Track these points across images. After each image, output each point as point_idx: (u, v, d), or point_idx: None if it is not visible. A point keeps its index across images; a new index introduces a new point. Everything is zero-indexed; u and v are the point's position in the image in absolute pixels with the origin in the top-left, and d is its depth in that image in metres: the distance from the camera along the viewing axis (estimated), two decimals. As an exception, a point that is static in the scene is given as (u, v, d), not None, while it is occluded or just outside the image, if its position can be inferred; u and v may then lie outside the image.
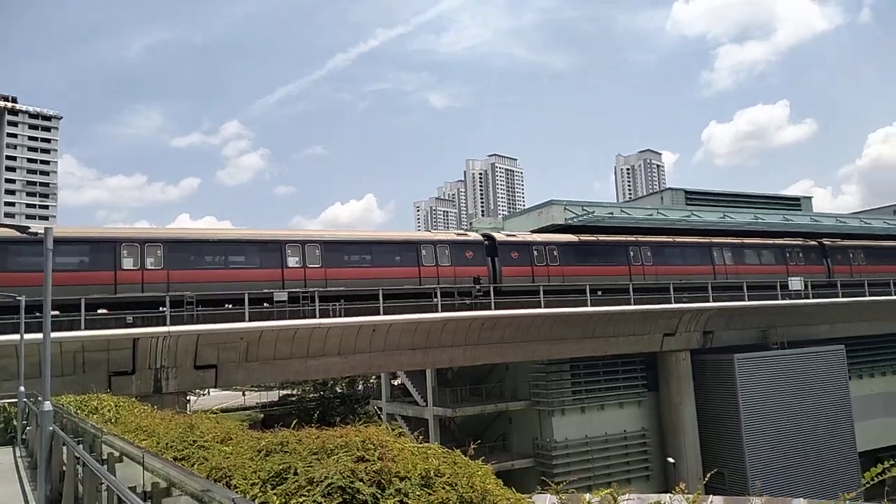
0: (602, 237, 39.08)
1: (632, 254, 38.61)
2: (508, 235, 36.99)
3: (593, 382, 39.95)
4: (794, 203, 57.62)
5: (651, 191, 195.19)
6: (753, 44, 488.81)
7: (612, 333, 37.71)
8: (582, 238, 38.20)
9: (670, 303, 37.57)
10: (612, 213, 43.38)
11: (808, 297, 41.91)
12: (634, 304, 36.31)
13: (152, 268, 26.98)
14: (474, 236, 36.14)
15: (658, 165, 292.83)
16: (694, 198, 51.32)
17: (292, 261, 29.71)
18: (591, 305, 34.99)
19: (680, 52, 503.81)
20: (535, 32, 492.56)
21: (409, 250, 32.94)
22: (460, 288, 32.84)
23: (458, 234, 37.00)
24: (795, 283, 41.71)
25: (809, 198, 60.45)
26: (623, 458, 39.84)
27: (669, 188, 57.55)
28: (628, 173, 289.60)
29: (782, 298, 41.15)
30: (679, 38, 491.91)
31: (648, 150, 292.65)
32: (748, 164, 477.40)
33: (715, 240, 42.78)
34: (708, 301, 38.73)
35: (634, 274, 38.11)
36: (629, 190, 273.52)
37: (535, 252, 35.88)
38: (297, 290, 29.01)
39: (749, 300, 39.85)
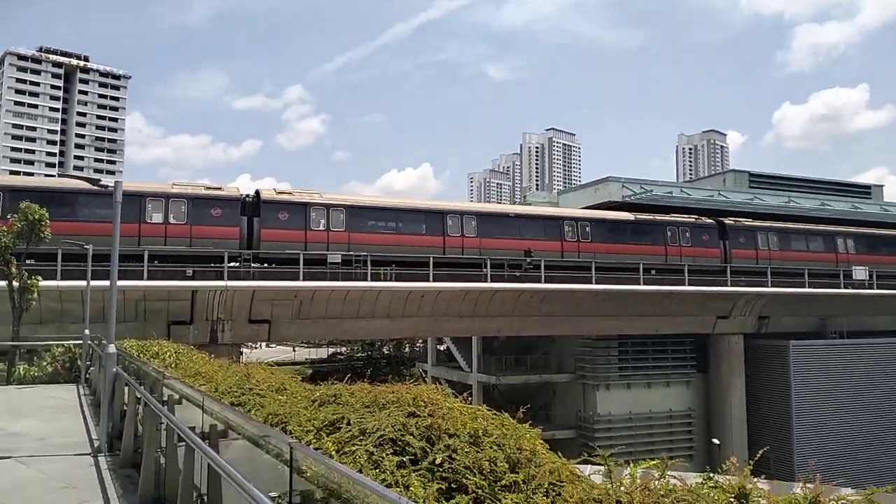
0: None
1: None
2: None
3: (641, 360, 39.65)
4: (864, 191, 55.32)
5: (713, 172, 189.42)
6: (834, 24, 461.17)
7: (664, 313, 37.14)
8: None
9: (726, 285, 36.76)
10: (671, 193, 42.47)
11: (871, 287, 40.46)
12: (689, 286, 35.65)
13: None
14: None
15: (722, 146, 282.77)
16: (758, 181, 49.72)
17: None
18: (645, 284, 34.52)
19: (754, 31, 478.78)
20: (599, 6, 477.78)
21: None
22: (511, 260, 32.80)
23: None
24: (860, 273, 40.26)
25: (881, 186, 57.95)
26: (667, 437, 39.55)
27: (733, 170, 55.89)
28: (690, 153, 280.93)
29: (845, 287, 39.82)
30: (753, 15, 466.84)
31: (713, 131, 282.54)
32: (819, 148, 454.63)
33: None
34: (766, 286, 37.77)
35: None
36: (690, 171, 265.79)
37: None
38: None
39: (810, 287, 38.69)
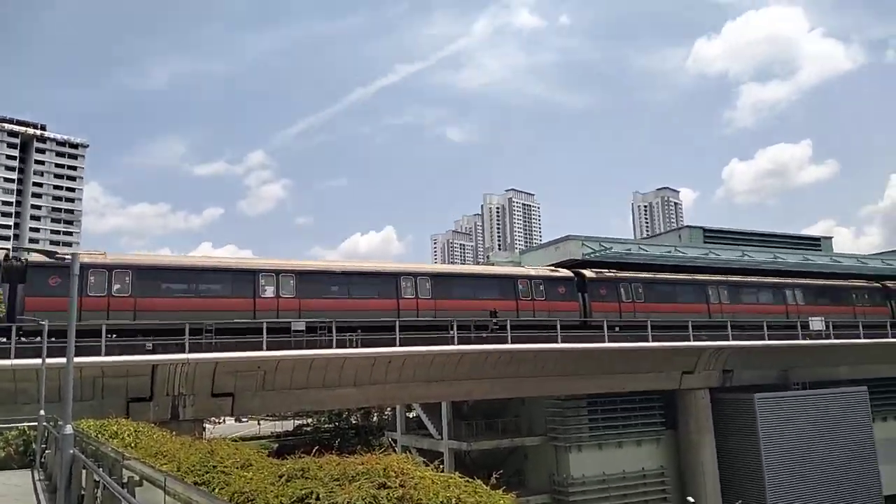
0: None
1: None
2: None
3: (611, 419, 39.37)
4: (814, 243, 57.17)
5: (669, 229, 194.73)
6: (776, 83, 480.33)
7: (630, 370, 37.29)
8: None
9: (689, 340, 37.15)
10: (629, 250, 43.32)
11: (829, 337, 41.29)
12: (652, 342, 35.95)
13: None
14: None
15: (676, 203, 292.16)
16: (713, 236, 51.09)
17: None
18: (609, 341, 34.72)
19: (700, 91, 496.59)
20: (553, 71, 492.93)
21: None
22: (477, 321, 32.77)
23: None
24: (816, 324, 41.15)
25: (830, 238, 60.00)
26: (641, 497, 39.06)
27: (688, 226, 57.32)
28: (646, 211, 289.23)
29: (803, 338, 40.55)
30: (699, 76, 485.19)
31: (666, 188, 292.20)
32: (768, 202, 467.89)
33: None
34: (728, 339, 38.27)
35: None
36: (646, 227, 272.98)
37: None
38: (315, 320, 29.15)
39: (769, 339, 39.31)
